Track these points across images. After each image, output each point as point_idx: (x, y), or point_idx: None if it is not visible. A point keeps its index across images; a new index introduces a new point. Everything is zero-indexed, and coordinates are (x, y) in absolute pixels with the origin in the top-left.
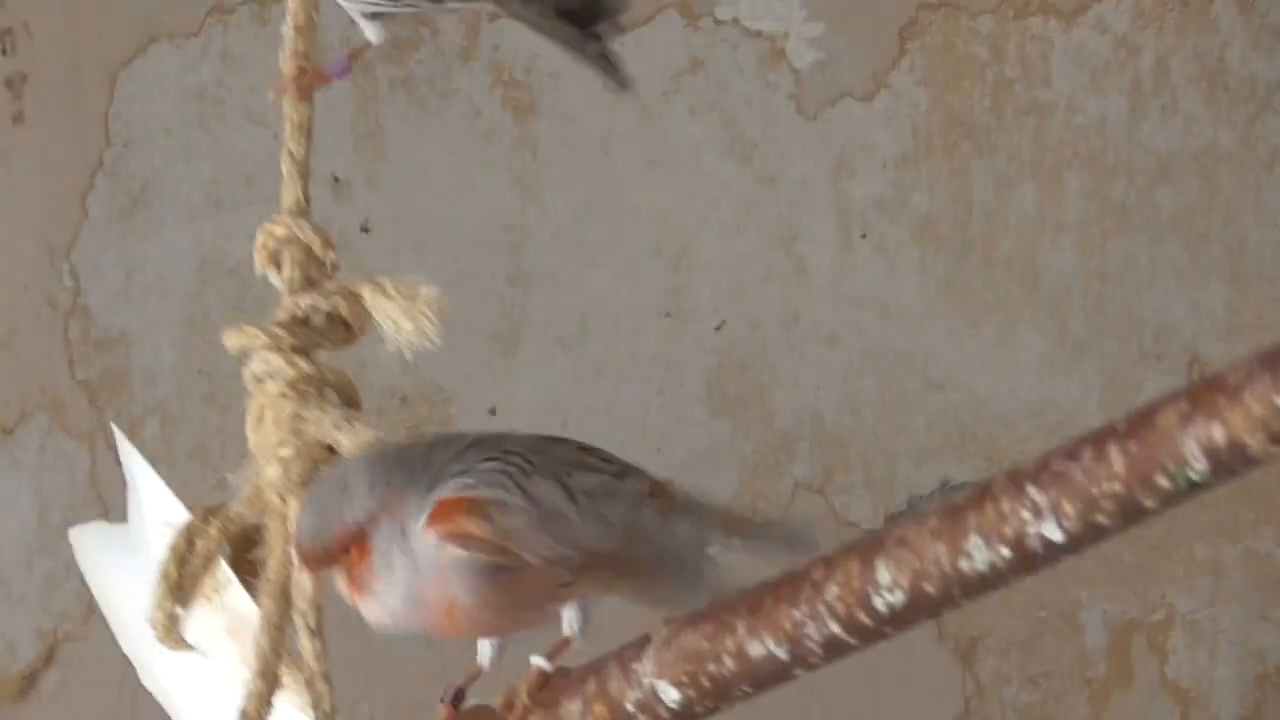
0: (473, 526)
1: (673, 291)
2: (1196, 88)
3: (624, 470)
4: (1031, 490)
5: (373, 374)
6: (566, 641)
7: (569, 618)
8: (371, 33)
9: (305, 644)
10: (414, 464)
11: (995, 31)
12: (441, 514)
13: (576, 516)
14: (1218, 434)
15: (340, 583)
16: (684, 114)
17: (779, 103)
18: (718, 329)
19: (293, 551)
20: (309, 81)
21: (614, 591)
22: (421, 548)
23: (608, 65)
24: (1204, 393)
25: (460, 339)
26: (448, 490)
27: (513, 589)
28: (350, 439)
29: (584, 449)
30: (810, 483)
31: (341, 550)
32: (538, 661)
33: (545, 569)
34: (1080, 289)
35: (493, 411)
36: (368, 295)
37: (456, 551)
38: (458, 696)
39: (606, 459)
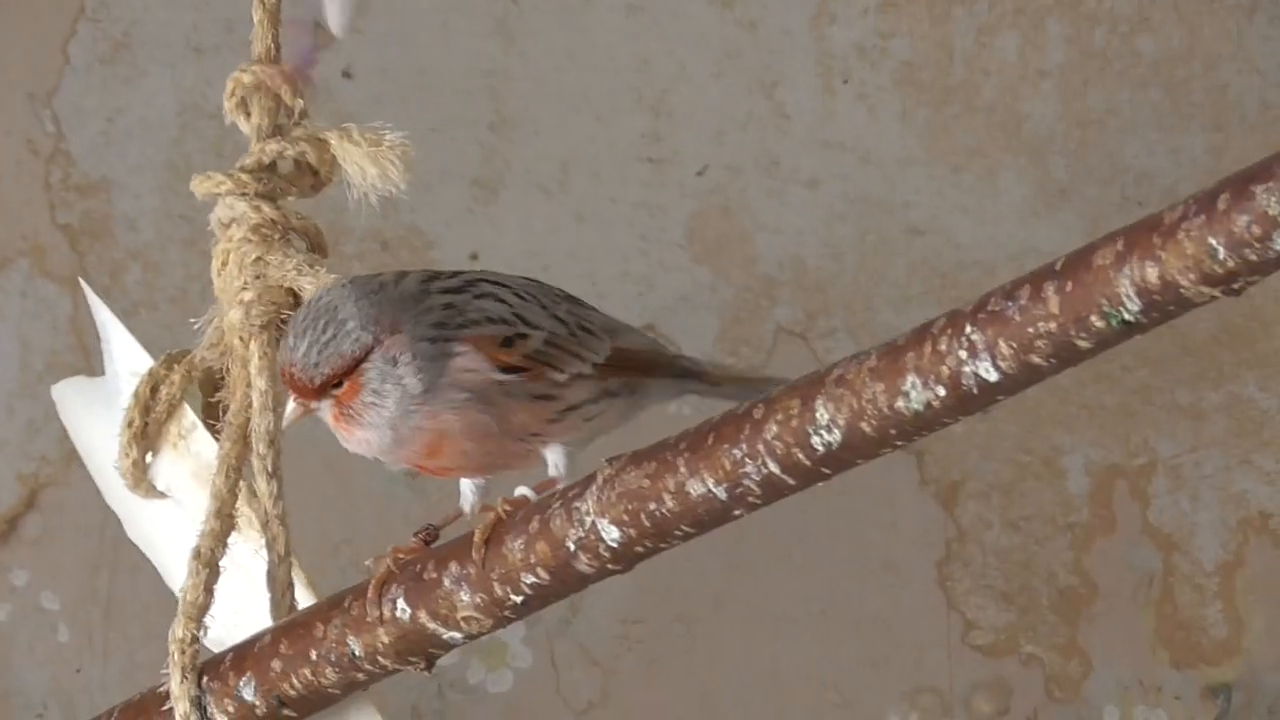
0: (507, 356)
1: (654, 137)
2: None
3: (605, 317)
4: (969, 330)
5: (354, 219)
6: (553, 481)
7: (553, 459)
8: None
9: (262, 486)
10: (404, 298)
11: None
12: (471, 344)
13: (572, 338)
14: (1151, 274)
15: (327, 413)
16: None
17: None
18: (699, 174)
19: (282, 378)
20: (296, 80)
21: (606, 419)
22: (415, 380)
23: None
24: (1139, 232)
25: (441, 185)
26: (457, 323)
27: (503, 420)
28: (313, 284)
29: (567, 296)
30: (792, 327)
31: (336, 384)
32: (523, 490)
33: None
34: (1062, 135)
35: (474, 256)
36: (334, 141)
37: (463, 377)
38: (430, 535)
39: (589, 307)
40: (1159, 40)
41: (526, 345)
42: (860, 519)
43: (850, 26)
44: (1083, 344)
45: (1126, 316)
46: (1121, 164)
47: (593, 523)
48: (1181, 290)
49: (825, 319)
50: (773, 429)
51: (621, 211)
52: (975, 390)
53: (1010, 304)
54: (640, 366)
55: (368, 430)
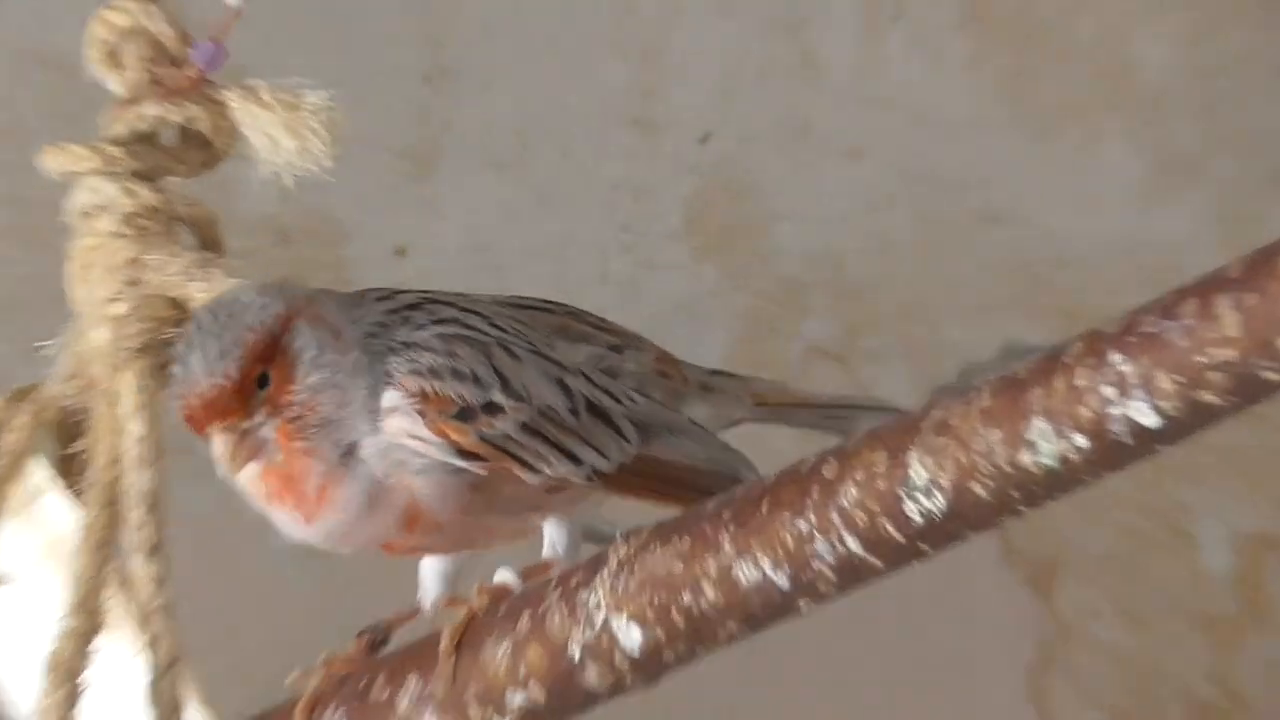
0: (458, 434)
1: (641, 94)
2: None
3: (622, 340)
4: (1116, 358)
5: (242, 204)
6: (547, 565)
7: (552, 536)
8: None
9: (140, 566)
10: (336, 297)
11: None
12: (417, 400)
13: (575, 420)
14: None
15: (270, 443)
16: None
17: None
18: (702, 143)
19: (180, 410)
20: (188, 85)
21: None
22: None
23: None
24: None
25: (360, 157)
26: (404, 366)
27: (489, 491)
28: (206, 291)
29: (568, 311)
30: (827, 347)
31: (258, 377)
32: (504, 575)
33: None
34: (1186, 89)
35: (401, 252)
36: (235, 104)
37: (401, 440)
38: (377, 638)
39: (599, 325)
40: None
41: (491, 426)
42: (925, 608)
43: None
44: (1271, 376)
45: None
46: (1266, 127)
47: (605, 620)
48: None
49: (871, 336)
50: (851, 492)
51: (598, 192)
52: (1129, 439)
53: (1171, 324)
54: (673, 484)
55: (328, 456)
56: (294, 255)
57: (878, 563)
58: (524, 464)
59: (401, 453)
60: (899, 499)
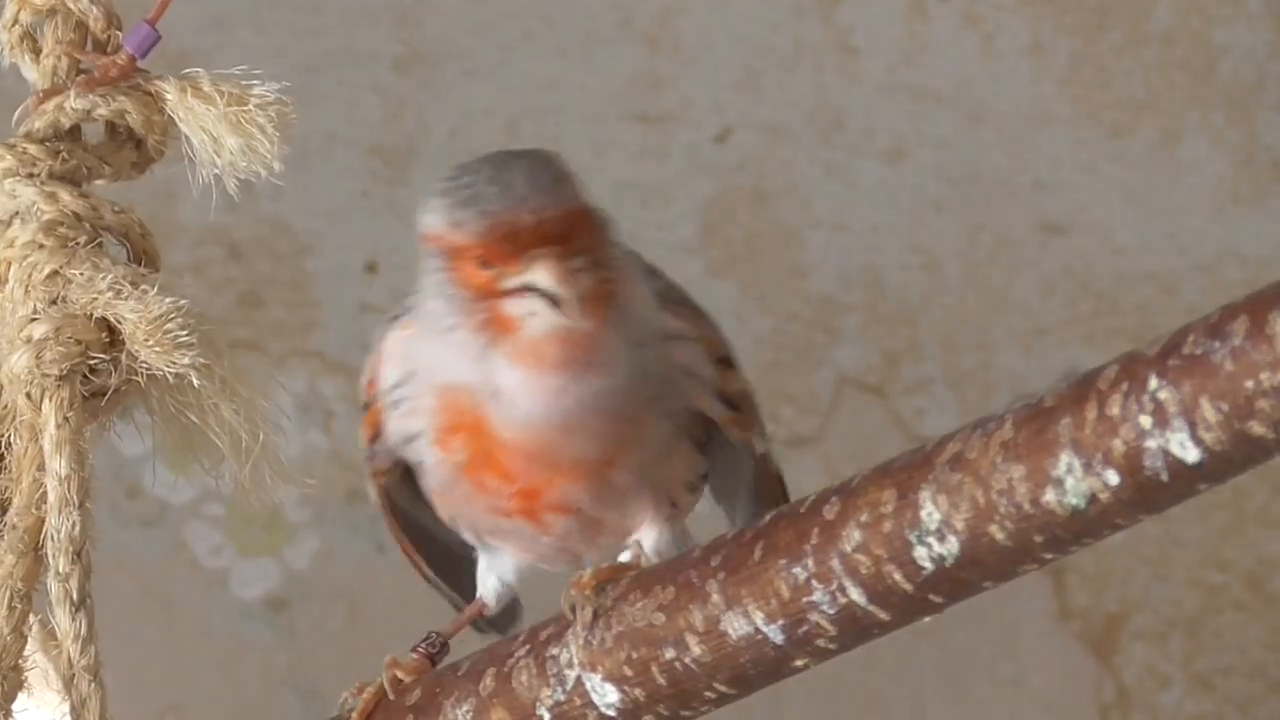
0: (726, 379)
1: (650, 83)
2: None
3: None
4: (1155, 384)
5: (185, 212)
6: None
7: (653, 542)
8: None
9: (63, 622)
10: None
11: None
12: (697, 333)
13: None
14: None
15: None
16: None
17: None
18: (719, 140)
19: (491, 226)
20: (118, 73)
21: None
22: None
23: None
24: None
25: (323, 156)
26: (679, 295)
27: (665, 459)
28: (139, 311)
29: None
30: (863, 377)
31: (580, 217)
32: (638, 544)
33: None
34: (1276, 81)
35: (371, 267)
36: (171, 96)
37: (672, 373)
38: (436, 646)
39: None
40: None
41: (742, 381)
42: (970, 669)
43: None
44: None
45: None
46: None
47: (578, 679)
48: None
49: (914, 364)
50: (854, 535)
51: (599, 196)
52: (1166, 476)
53: (1218, 345)
54: None
55: (618, 337)
56: (246, 271)
57: (883, 615)
58: (758, 429)
59: (666, 382)
60: (908, 543)
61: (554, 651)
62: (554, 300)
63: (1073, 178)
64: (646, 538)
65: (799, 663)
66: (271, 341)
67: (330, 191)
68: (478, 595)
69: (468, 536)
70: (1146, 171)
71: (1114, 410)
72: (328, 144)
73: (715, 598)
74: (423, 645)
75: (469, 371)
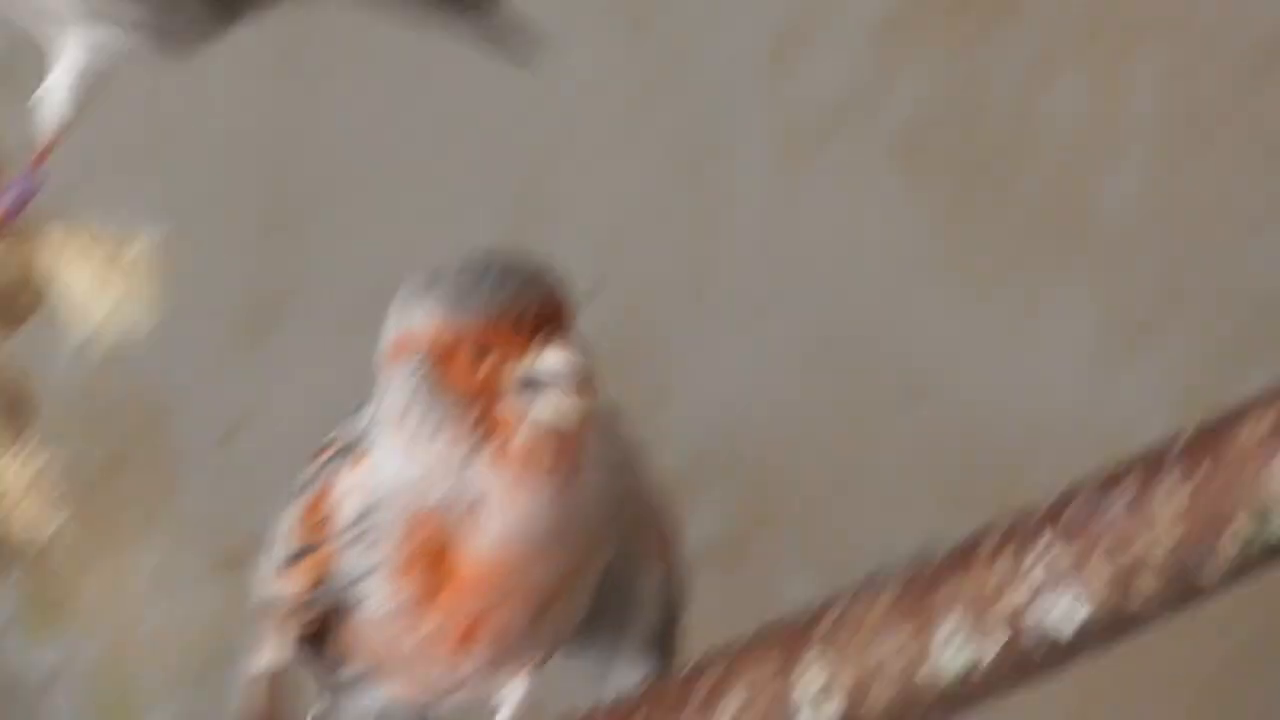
0: None
1: (517, 236)
2: None
3: None
4: (1043, 544)
5: (46, 369)
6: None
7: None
8: (82, 57)
9: None
10: None
11: None
12: None
13: None
14: None
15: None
16: None
17: None
18: (586, 295)
19: (503, 310)
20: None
21: None
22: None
23: (496, 31)
24: None
25: (188, 315)
26: None
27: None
28: (13, 466)
29: None
30: (726, 537)
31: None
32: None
33: None
34: (1155, 234)
35: (234, 428)
36: (44, 249)
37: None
38: None
39: None
40: None
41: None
42: None
43: (827, 59)
44: (1217, 567)
45: None
46: (1248, 278)
47: None
48: None
49: (776, 525)
50: (732, 704)
51: None
52: (1055, 642)
53: (1108, 503)
54: None
55: (598, 444)
56: (110, 429)
57: None
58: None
59: (619, 503)
60: (791, 708)
61: None
62: (562, 386)
63: (940, 338)
64: (516, 690)
65: None
66: (132, 506)
67: (193, 353)
68: None
69: (349, 672)
70: (1014, 332)
71: (999, 574)
72: (191, 306)
73: None
74: None
75: (444, 488)
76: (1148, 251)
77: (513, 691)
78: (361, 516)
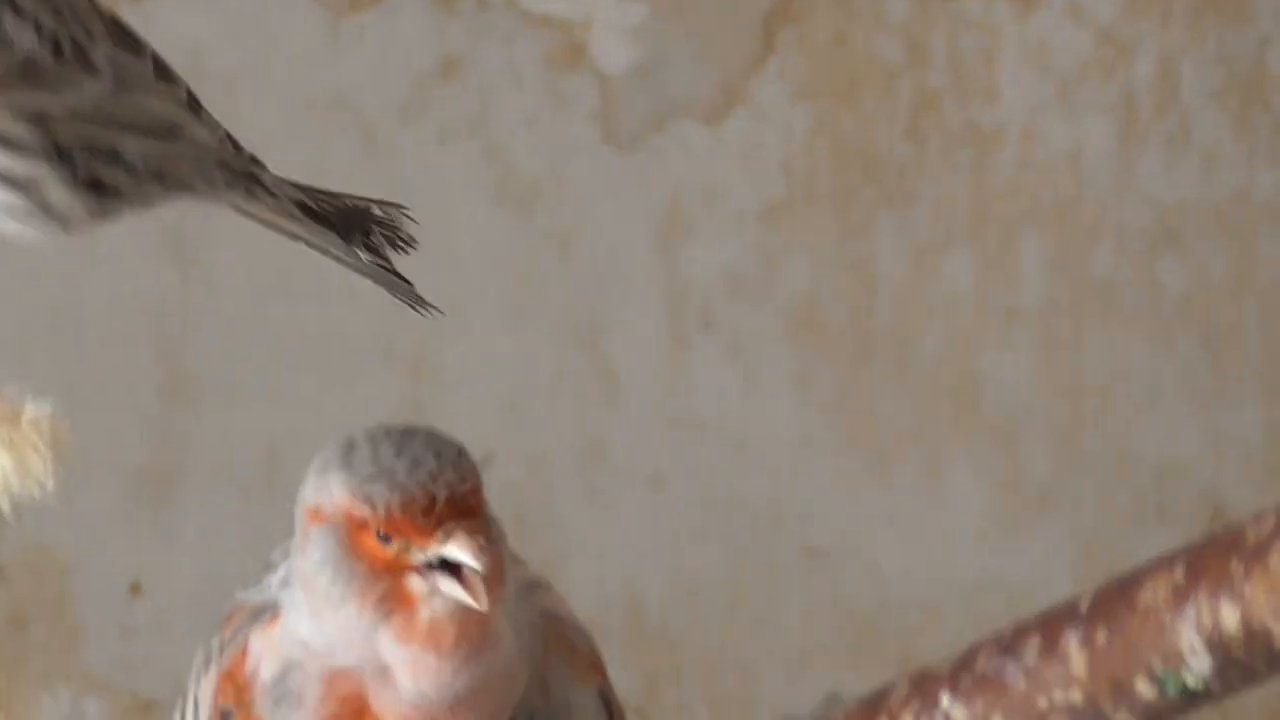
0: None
1: (413, 407)
2: (1222, 106)
3: None
4: (947, 702)
5: None
6: None
7: None
8: None
9: None
10: None
11: (914, 18)
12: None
13: None
14: (1229, 617)
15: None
16: (430, 142)
17: (577, 126)
18: (482, 465)
19: (407, 499)
20: None
21: None
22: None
23: (387, 278)
24: (1208, 556)
25: (86, 480)
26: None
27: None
28: None
29: None
30: (630, 699)
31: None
32: None
33: None
34: (1043, 409)
35: (135, 588)
36: None
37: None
38: None
39: None
40: (1193, 265)
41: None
42: None
43: (716, 243)
44: None
45: (1191, 682)
46: (1135, 452)
47: None
48: (1277, 643)
49: (675, 688)
50: None
51: None
52: None
53: (1011, 662)
54: None
55: (503, 614)
56: (8, 591)
57: None
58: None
59: (530, 636)
60: None
61: None
62: (464, 576)
63: (836, 505)
64: None
65: None
66: (36, 660)
67: (92, 514)
68: None
69: None
70: (910, 499)
71: None
72: (91, 466)
73: None
74: None
75: (355, 651)
76: (1044, 422)
77: None
78: (280, 678)
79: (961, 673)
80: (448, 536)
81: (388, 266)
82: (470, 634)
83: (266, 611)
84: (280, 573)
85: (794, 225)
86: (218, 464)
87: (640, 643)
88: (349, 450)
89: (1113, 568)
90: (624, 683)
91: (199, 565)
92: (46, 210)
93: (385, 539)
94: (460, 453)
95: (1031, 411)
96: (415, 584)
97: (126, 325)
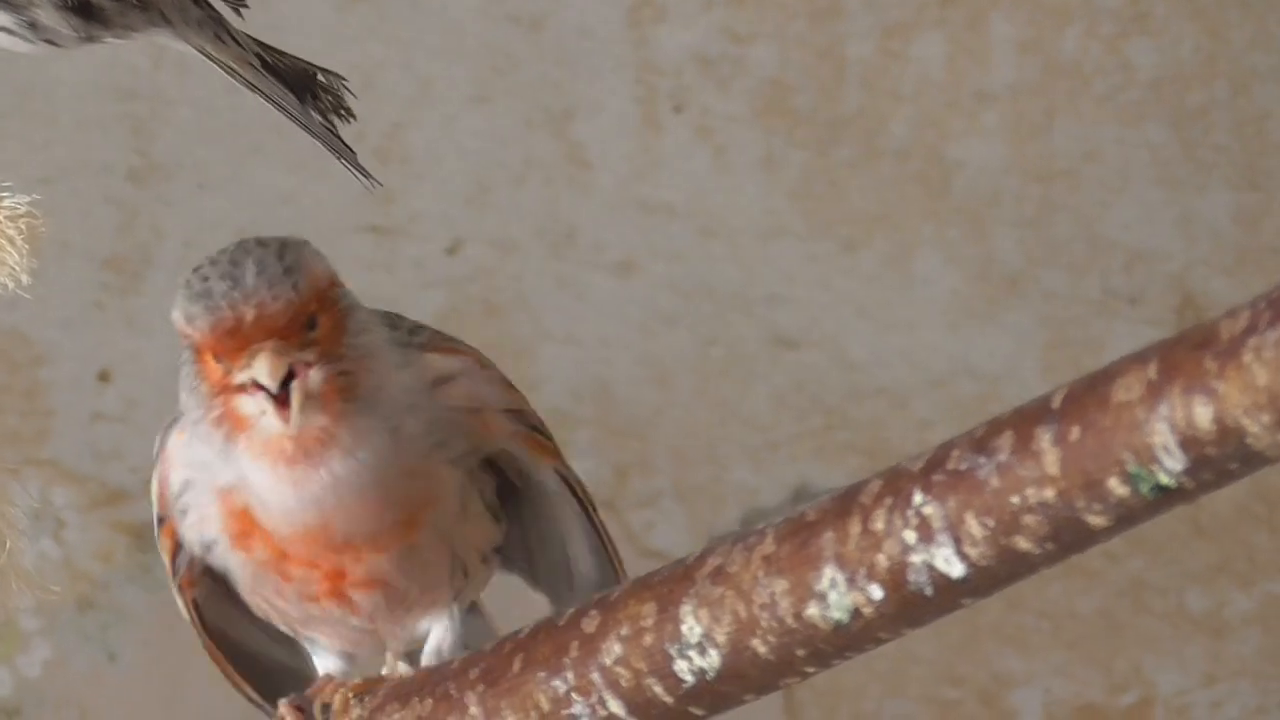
0: (519, 403)
1: (382, 195)
2: None
3: None
4: (919, 499)
5: None
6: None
7: (441, 634)
8: None
9: None
10: None
11: None
12: (477, 364)
13: None
14: (1202, 414)
15: (311, 390)
16: None
17: None
18: (450, 253)
19: (213, 318)
20: None
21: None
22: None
23: (334, 141)
24: (1182, 351)
25: (57, 266)
26: (444, 340)
27: (459, 523)
28: None
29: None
30: (597, 484)
31: (312, 316)
32: (401, 666)
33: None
34: (1014, 191)
35: (104, 376)
36: None
37: (447, 415)
38: (303, 706)
39: None
40: (1163, 47)
41: (527, 404)
42: None
43: (687, 24)
44: (1096, 521)
45: (1164, 480)
46: (1105, 237)
47: None
48: (1249, 440)
49: (644, 477)
50: (615, 648)
51: None
52: (930, 591)
53: (984, 460)
54: None
55: (365, 418)
56: None
57: None
58: (553, 454)
59: (448, 429)
60: (668, 657)
61: None
62: (274, 397)
63: (805, 291)
64: (438, 622)
65: None
66: (5, 449)
67: (64, 301)
68: (324, 671)
69: (284, 629)
70: (879, 285)
71: (878, 525)
72: (62, 254)
73: (474, 710)
74: (294, 700)
75: (228, 469)
76: (1013, 207)
77: (436, 625)
78: (181, 491)
79: (934, 470)
80: (252, 359)
81: (334, 130)
82: (308, 445)
83: (176, 421)
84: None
85: (762, 6)
86: (188, 251)
87: (609, 433)
88: (197, 267)
89: (1082, 355)
90: (593, 474)
91: (168, 354)
92: (36, 29)
93: (215, 360)
94: (290, 268)
95: (1001, 196)
96: (245, 405)
97: (97, 110)
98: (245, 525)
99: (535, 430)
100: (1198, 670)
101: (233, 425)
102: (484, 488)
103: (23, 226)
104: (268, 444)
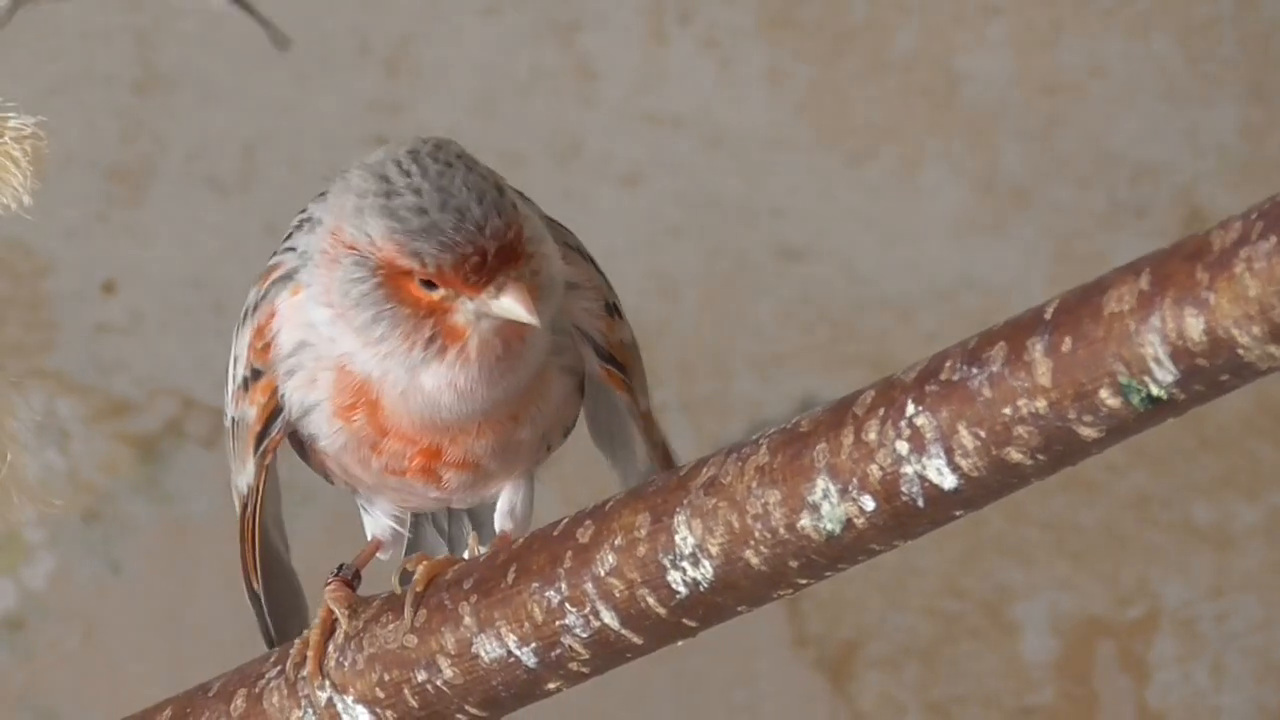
0: (609, 328)
1: (389, 107)
2: None
3: None
4: (912, 409)
5: None
6: (505, 538)
7: (513, 499)
8: None
9: None
10: None
11: None
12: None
13: None
14: (1193, 325)
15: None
16: None
17: None
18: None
19: (452, 254)
20: None
21: None
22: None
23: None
24: (1175, 262)
25: (60, 177)
26: (570, 238)
27: (555, 411)
28: None
29: None
30: None
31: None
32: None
33: None
34: (1019, 107)
35: (109, 286)
36: None
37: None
38: (350, 574)
39: None
40: None
41: (627, 331)
42: (704, 695)
43: None
44: (1087, 432)
45: (1155, 391)
46: (1112, 149)
47: (329, 700)
48: (1240, 352)
49: (652, 391)
50: (608, 559)
51: None
52: (922, 502)
53: (976, 371)
54: None
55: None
56: None
57: (636, 639)
58: (640, 386)
59: (565, 334)
60: (662, 567)
61: (305, 672)
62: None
63: (811, 204)
64: (512, 492)
65: (551, 685)
66: (9, 361)
67: (68, 212)
68: (372, 536)
69: (343, 488)
70: (885, 198)
71: (870, 436)
72: (66, 165)
73: (468, 620)
74: (336, 577)
75: (386, 371)
76: (1020, 120)
77: (510, 488)
78: (294, 351)
79: (927, 381)
80: (499, 291)
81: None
82: (512, 351)
83: (292, 278)
84: (301, 244)
85: None
86: (192, 162)
87: None
88: (386, 187)
89: (1088, 268)
90: None
91: (172, 264)
92: None
93: (431, 286)
94: (500, 189)
95: (1007, 109)
96: (462, 316)
97: (102, 22)
98: (356, 399)
99: (619, 365)
100: (1203, 583)
101: (446, 339)
102: (580, 376)
103: (28, 148)
104: (482, 347)
